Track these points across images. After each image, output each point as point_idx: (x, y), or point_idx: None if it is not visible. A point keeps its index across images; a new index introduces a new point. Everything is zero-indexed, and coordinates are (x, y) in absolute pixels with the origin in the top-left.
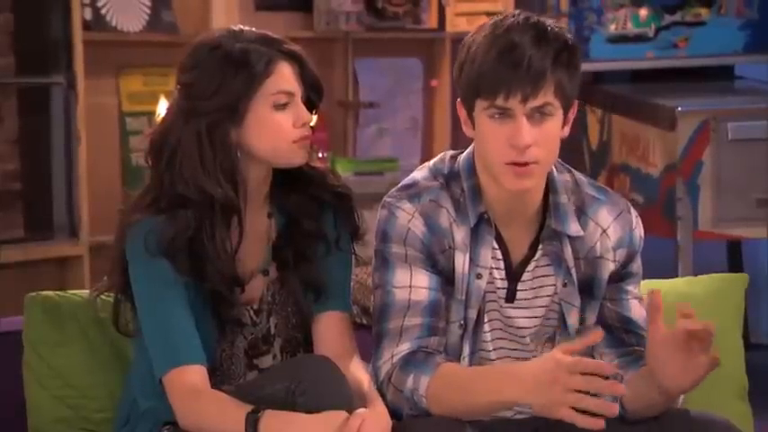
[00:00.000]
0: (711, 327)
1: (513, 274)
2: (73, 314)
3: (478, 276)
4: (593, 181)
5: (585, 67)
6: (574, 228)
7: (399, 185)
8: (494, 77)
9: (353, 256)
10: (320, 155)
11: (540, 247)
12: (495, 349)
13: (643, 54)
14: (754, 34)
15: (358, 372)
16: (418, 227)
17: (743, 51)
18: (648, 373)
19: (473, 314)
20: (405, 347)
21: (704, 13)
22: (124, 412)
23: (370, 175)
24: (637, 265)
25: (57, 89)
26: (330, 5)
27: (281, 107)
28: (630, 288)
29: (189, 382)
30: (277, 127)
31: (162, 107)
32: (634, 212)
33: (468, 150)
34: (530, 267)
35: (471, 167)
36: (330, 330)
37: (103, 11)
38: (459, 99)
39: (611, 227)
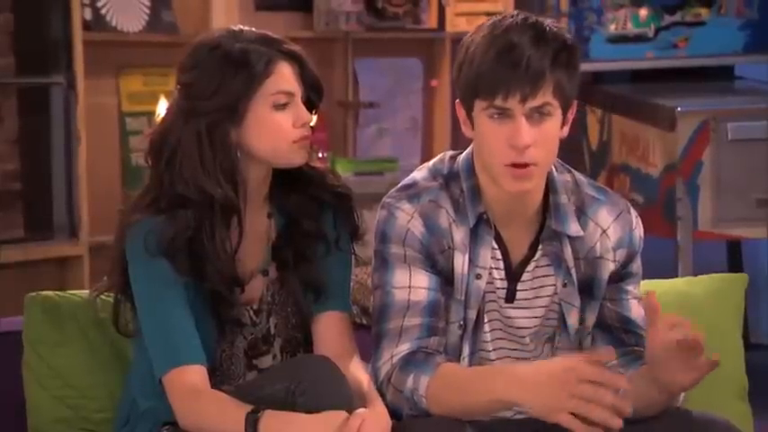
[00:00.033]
0: (700, 337)
1: (513, 275)
2: (73, 314)
3: (478, 277)
4: (592, 181)
5: (585, 67)
6: (574, 228)
7: (399, 186)
8: (493, 78)
9: (353, 256)
10: (320, 155)
11: (540, 247)
12: (494, 349)
13: (643, 54)
14: (754, 34)
15: (358, 372)
16: (417, 227)
17: (743, 51)
18: (648, 371)
19: (473, 314)
20: (404, 348)
21: (704, 13)
22: (124, 412)
23: (370, 175)
24: (636, 266)
25: (57, 89)
26: (330, 5)
27: (280, 107)
28: (630, 288)
29: (189, 382)
30: (277, 127)
31: (162, 107)
32: (634, 213)
33: (467, 151)
34: (529, 267)
35: (470, 168)
36: (330, 330)
37: (103, 11)
38: (458, 99)
39: (610, 227)
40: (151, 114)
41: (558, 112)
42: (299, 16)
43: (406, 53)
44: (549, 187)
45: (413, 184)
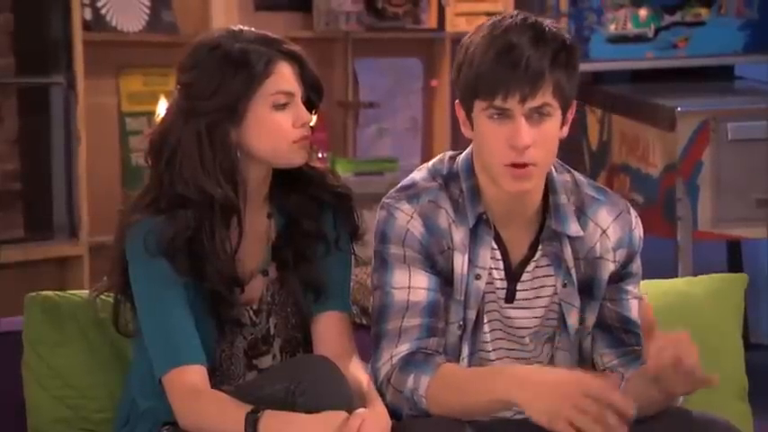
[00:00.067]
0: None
1: (513, 275)
2: (72, 314)
3: (477, 277)
4: (592, 181)
5: (585, 67)
6: (573, 228)
7: (398, 186)
8: (492, 78)
9: (353, 256)
10: (320, 155)
11: (540, 247)
12: (494, 350)
13: (643, 54)
14: (753, 34)
15: (357, 372)
16: (417, 228)
17: (743, 51)
18: (648, 372)
19: (472, 315)
20: (404, 348)
21: (704, 13)
22: (124, 412)
23: (369, 175)
24: (636, 266)
25: (57, 89)
26: (330, 5)
27: (280, 107)
28: (630, 288)
29: (189, 382)
30: (277, 127)
31: (162, 107)
32: (633, 213)
33: (467, 151)
34: (529, 268)
35: (470, 168)
36: (329, 330)
37: (103, 11)
38: (457, 100)
39: (610, 227)
40: (151, 114)
41: (558, 113)
42: (298, 16)
43: (406, 53)
44: (549, 187)
45: (412, 185)
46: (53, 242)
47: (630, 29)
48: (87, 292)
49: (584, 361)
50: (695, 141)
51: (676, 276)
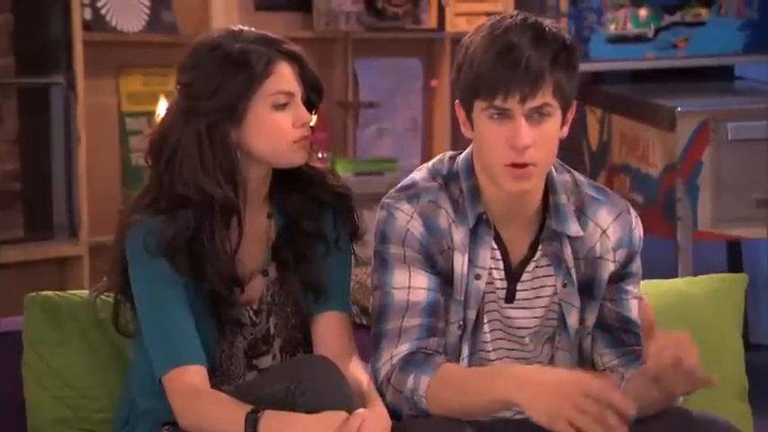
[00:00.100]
0: (695, 354)
1: (513, 275)
2: (72, 314)
3: (477, 277)
4: (592, 181)
5: (585, 67)
6: (573, 228)
7: (398, 186)
8: (492, 78)
9: (353, 256)
10: (320, 155)
11: (540, 247)
12: (494, 350)
13: (643, 54)
14: (753, 34)
15: (357, 372)
16: (417, 228)
17: (743, 51)
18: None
19: (472, 315)
20: (404, 348)
21: (704, 13)
22: (123, 412)
23: (369, 175)
24: (636, 266)
25: (56, 89)
26: (330, 5)
27: (280, 107)
28: (630, 288)
29: (189, 382)
30: (277, 127)
31: (162, 107)
32: (633, 213)
33: (466, 151)
34: (529, 268)
35: (470, 168)
36: (329, 330)
37: (103, 11)
38: (457, 100)
39: (610, 227)
40: (151, 114)
41: (558, 113)
42: (298, 16)
43: (405, 53)
44: (549, 187)
45: (412, 185)
46: (53, 242)
47: (630, 29)
48: (87, 292)
49: (585, 361)
50: (695, 141)
51: (676, 276)
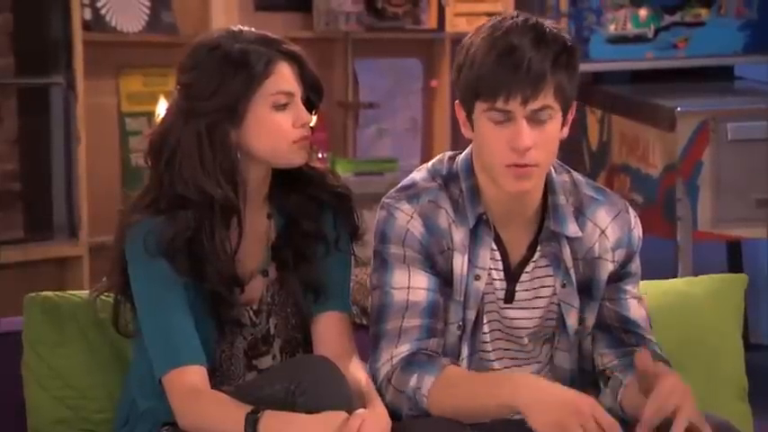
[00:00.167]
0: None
1: (512, 275)
2: (72, 315)
3: (477, 278)
4: (591, 181)
5: (585, 67)
6: (572, 229)
7: (398, 186)
8: (493, 80)
9: (353, 256)
10: (320, 155)
11: (539, 248)
12: (493, 350)
13: (643, 54)
14: (753, 35)
15: (357, 372)
16: (417, 228)
17: (742, 52)
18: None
19: (472, 315)
20: (404, 349)
21: (704, 13)
22: (123, 413)
23: (369, 175)
24: (635, 265)
25: (56, 89)
26: (330, 5)
27: (280, 107)
28: (629, 288)
29: (189, 382)
30: (277, 127)
31: (161, 107)
32: (632, 212)
33: (466, 151)
34: (528, 268)
35: (470, 168)
36: (329, 331)
37: (103, 11)
38: (457, 101)
39: (609, 227)
40: (151, 115)
41: (559, 114)
42: (298, 16)
43: (405, 53)
44: (548, 188)
45: (412, 185)
46: (53, 242)
47: (630, 29)
48: (87, 292)
49: (584, 361)
50: (695, 141)
51: (676, 276)
